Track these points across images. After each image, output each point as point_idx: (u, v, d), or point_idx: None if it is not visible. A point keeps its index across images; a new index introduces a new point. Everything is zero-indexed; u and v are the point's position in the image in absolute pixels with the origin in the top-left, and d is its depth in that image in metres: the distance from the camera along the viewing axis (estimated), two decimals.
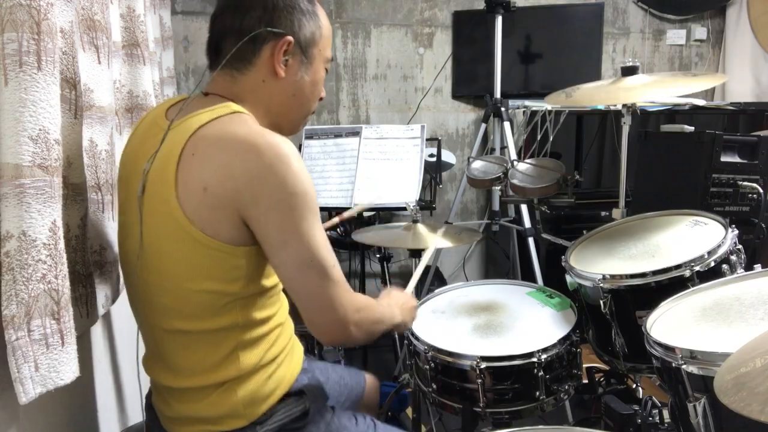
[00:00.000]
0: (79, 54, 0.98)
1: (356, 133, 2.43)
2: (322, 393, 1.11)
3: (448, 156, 2.86)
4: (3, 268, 0.74)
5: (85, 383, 1.20)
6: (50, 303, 0.78)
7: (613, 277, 1.27)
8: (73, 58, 0.95)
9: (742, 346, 0.73)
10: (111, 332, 1.39)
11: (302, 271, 0.92)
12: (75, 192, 1.01)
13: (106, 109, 1.17)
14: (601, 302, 1.28)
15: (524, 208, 2.48)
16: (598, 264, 1.39)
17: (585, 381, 1.42)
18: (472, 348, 1.29)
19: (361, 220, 2.39)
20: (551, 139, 2.61)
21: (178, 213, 0.89)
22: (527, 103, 2.80)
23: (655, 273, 1.22)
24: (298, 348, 1.15)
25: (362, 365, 2.57)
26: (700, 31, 3.43)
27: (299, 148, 2.41)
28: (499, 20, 2.53)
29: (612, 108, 2.66)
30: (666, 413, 1.23)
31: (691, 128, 1.96)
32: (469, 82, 3.21)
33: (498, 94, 2.60)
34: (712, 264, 1.19)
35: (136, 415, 1.15)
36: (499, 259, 3.23)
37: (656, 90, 1.52)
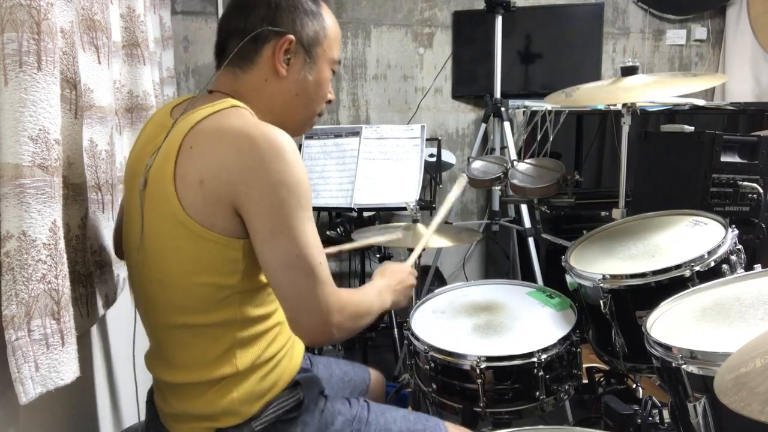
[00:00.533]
0: (79, 54, 0.99)
1: (356, 133, 2.43)
2: (316, 382, 1.11)
3: (448, 156, 2.86)
4: (3, 268, 0.74)
5: (85, 383, 1.20)
6: (50, 303, 0.78)
7: (613, 277, 1.27)
8: (73, 58, 0.96)
9: (742, 346, 0.73)
10: (111, 332, 1.39)
11: (289, 268, 0.91)
12: (75, 192, 1.01)
13: (106, 109, 1.17)
14: (601, 302, 1.28)
15: (524, 208, 2.49)
16: (598, 264, 1.39)
17: (585, 381, 1.42)
18: (472, 348, 1.29)
19: (361, 220, 2.39)
20: (551, 139, 2.60)
21: (176, 206, 0.90)
22: (527, 103, 2.80)
23: (655, 273, 1.22)
24: (299, 347, 1.14)
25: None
26: (700, 31, 3.43)
27: (299, 148, 2.41)
28: (499, 20, 2.53)
29: (612, 108, 2.66)
30: (666, 413, 1.23)
31: (691, 128, 1.95)
32: (469, 82, 3.21)
33: (498, 94, 2.60)
34: (712, 264, 1.19)
35: (136, 414, 1.14)
36: (499, 259, 3.23)
37: (656, 90, 1.52)
